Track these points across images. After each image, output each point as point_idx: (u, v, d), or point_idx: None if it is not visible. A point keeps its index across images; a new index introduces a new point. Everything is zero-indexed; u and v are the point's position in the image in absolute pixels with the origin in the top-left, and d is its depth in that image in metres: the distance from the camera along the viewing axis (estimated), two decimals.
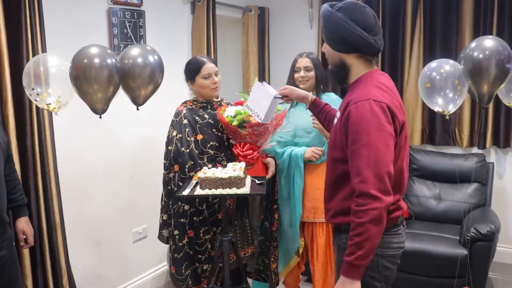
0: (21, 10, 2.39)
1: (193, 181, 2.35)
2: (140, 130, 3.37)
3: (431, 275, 3.23)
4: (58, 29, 2.72)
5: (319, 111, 2.22)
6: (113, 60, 2.20)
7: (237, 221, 2.67)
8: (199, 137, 2.51)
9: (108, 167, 3.15)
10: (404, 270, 3.23)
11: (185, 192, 2.26)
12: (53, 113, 2.32)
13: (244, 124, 2.45)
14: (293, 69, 2.83)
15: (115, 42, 3.09)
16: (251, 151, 2.50)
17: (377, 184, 1.64)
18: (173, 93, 3.37)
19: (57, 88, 2.23)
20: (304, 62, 2.78)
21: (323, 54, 1.93)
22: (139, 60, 2.32)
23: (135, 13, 3.22)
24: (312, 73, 2.78)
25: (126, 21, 3.16)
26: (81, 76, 2.12)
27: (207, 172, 2.26)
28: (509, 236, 3.89)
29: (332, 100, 2.80)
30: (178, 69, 3.58)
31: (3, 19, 2.33)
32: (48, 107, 2.24)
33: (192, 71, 2.58)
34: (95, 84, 2.13)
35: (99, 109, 2.22)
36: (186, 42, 3.74)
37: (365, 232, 1.64)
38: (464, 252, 3.12)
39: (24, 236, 2.28)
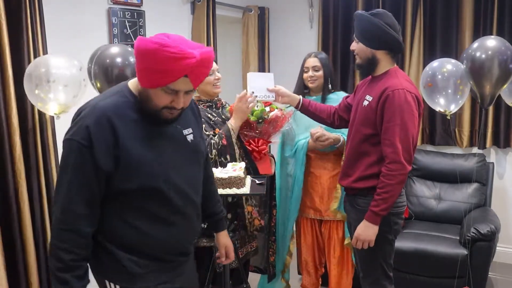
0: (22, 10, 2.38)
1: None
2: None
3: (431, 275, 3.22)
4: (58, 29, 2.71)
5: (308, 105, 2.57)
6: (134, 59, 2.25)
7: None
8: (217, 131, 2.51)
9: None
10: (404, 270, 3.23)
11: None
12: (55, 116, 2.35)
13: (260, 120, 2.49)
14: (302, 69, 2.87)
15: (115, 42, 3.08)
16: (265, 146, 2.56)
17: (405, 154, 2.08)
18: None
19: (59, 92, 2.26)
20: (313, 62, 2.82)
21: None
22: None
23: (135, 13, 3.22)
24: (321, 73, 2.81)
25: (126, 21, 3.16)
26: (102, 76, 2.20)
27: None
28: (509, 236, 3.88)
29: (341, 98, 2.86)
30: None
31: (5, 20, 2.32)
32: (47, 109, 2.27)
33: None
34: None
35: None
36: None
37: (392, 190, 2.10)
38: (464, 252, 3.12)
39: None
